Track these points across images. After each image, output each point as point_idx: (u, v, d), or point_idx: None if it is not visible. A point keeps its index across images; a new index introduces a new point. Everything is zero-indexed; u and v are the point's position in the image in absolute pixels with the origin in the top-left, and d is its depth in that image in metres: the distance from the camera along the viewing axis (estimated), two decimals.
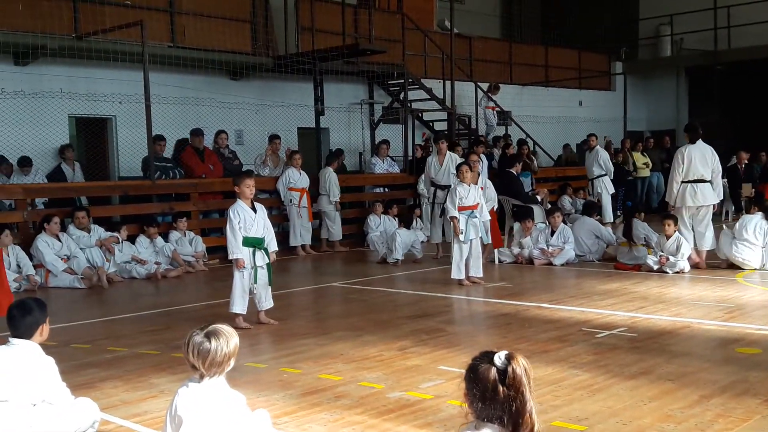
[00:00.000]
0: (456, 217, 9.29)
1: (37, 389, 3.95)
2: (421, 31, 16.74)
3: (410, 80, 15.77)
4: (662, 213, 11.15)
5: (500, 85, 18.37)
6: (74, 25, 12.16)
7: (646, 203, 17.83)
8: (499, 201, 11.55)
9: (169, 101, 12.75)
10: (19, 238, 10.29)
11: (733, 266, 9.99)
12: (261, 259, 7.20)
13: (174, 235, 11.48)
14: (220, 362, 3.22)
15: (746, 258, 9.94)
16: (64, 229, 10.56)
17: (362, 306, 8.30)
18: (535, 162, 16.51)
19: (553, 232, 11.20)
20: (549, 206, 12.89)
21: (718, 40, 21.47)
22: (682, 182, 10.16)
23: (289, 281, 10.11)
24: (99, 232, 10.80)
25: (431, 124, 17.20)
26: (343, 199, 13.56)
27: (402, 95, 15.88)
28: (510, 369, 2.53)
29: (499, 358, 2.56)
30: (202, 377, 3.25)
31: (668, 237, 9.88)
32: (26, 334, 4.02)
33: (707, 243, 10.25)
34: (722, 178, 11.03)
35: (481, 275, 9.49)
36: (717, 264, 10.20)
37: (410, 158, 15.04)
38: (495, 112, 18.07)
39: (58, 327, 6.53)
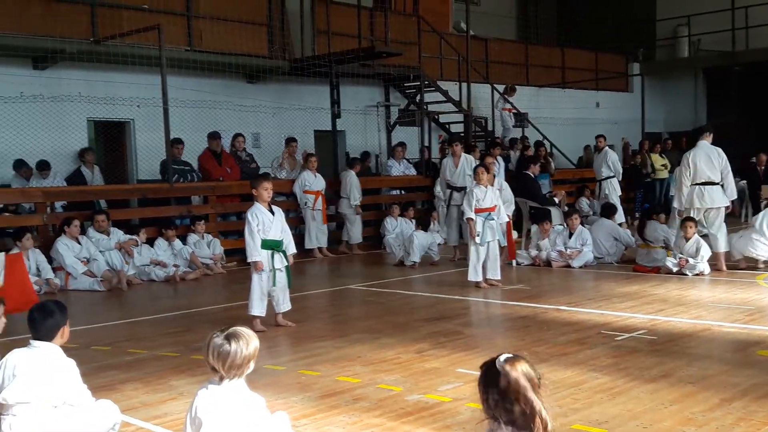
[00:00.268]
0: (472, 219, 9.28)
1: (59, 391, 3.98)
2: (437, 33, 16.72)
3: (426, 82, 15.78)
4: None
5: (516, 86, 18.34)
6: (92, 29, 12.25)
7: (665, 205, 17.68)
8: (516, 203, 11.51)
9: (186, 104, 12.83)
10: (39, 241, 10.38)
11: (752, 267, 9.91)
12: (279, 262, 7.21)
13: (192, 237, 11.55)
14: (239, 364, 3.22)
15: (760, 253, 9.92)
16: (83, 232, 10.64)
17: (380, 308, 8.31)
18: (552, 164, 16.44)
19: (571, 234, 11.15)
20: (567, 208, 12.84)
21: (735, 41, 21.31)
22: (691, 185, 10.07)
23: (306, 284, 10.12)
24: (118, 234, 10.90)
25: (447, 126, 17.14)
26: (360, 202, 13.58)
27: (418, 97, 15.89)
28: (508, 374, 2.54)
29: (499, 363, 2.58)
30: (221, 379, 3.26)
31: (688, 239, 9.79)
32: (47, 336, 4.05)
33: (722, 245, 10.06)
34: (742, 179, 10.93)
35: (499, 278, 9.47)
36: (735, 264, 10.08)
37: (427, 160, 15.03)
38: (511, 114, 18.05)
39: (78, 329, 6.55)
